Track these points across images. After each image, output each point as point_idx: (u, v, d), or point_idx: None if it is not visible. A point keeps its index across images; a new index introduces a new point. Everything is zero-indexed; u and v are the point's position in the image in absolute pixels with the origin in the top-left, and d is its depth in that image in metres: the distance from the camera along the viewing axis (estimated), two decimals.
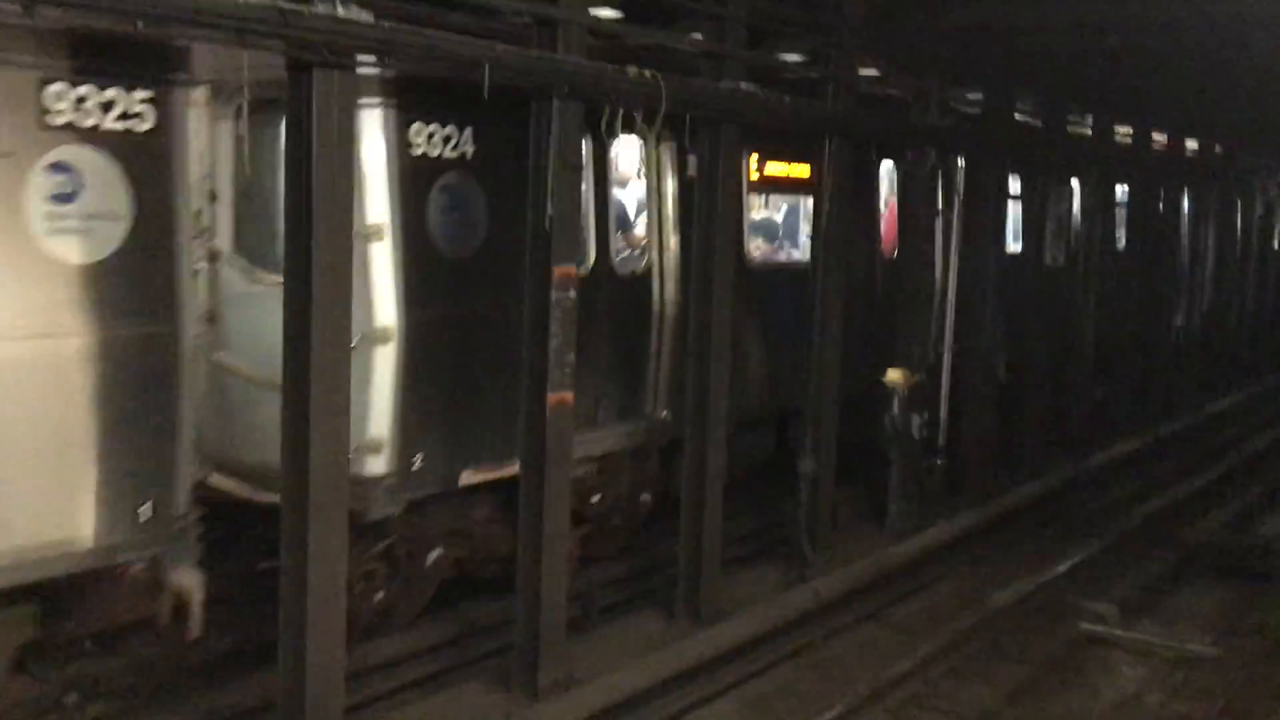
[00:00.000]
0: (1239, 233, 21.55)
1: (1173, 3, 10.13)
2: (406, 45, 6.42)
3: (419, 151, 7.76)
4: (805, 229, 11.82)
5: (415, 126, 7.72)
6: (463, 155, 8.03)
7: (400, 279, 7.68)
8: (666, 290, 9.75)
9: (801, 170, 10.96)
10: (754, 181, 11.04)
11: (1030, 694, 8.73)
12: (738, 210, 9.74)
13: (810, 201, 10.53)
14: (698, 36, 8.97)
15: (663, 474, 10.02)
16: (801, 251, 11.73)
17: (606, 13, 8.52)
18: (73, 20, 5.34)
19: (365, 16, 6.13)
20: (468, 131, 8.01)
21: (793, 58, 10.71)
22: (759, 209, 12.37)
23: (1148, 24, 10.78)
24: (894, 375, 11.22)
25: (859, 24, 10.04)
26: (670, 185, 9.80)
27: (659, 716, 7.85)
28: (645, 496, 10.04)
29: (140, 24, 5.29)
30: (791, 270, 11.21)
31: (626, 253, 9.88)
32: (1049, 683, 8.94)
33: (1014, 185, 14.44)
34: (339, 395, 6.29)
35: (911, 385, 11.31)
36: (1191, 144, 18.81)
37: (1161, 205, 17.81)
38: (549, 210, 7.39)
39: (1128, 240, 16.98)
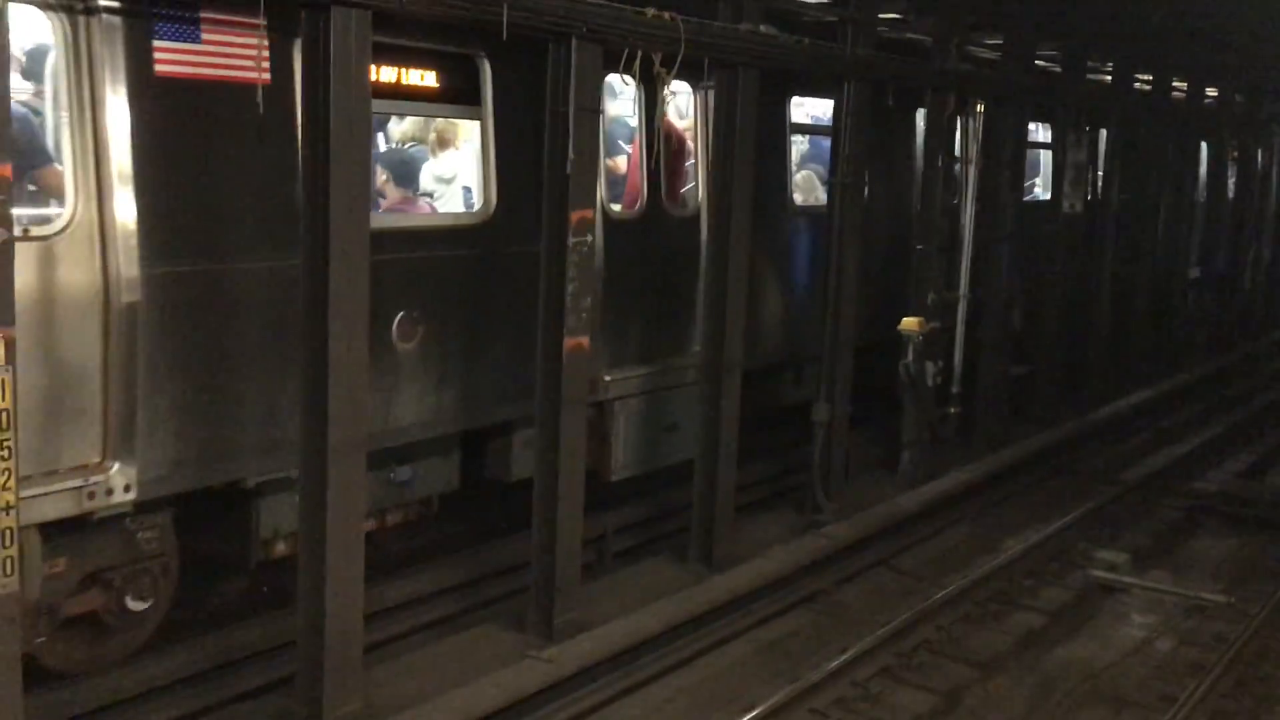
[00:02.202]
0: (1258, 182, 21.35)
1: None
2: None
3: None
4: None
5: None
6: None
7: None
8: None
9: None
10: None
11: (1041, 641, 8.79)
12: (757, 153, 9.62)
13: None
14: None
15: None
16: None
17: None
18: None
19: None
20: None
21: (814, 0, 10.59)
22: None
23: None
24: (909, 323, 11.19)
25: None
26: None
27: (674, 659, 7.91)
28: None
29: None
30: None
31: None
32: (1059, 630, 9.00)
33: (1035, 132, 14.37)
34: (356, 344, 6.31)
35: (927, 333, 11.28)
36: (1212, 93, 18.59)
37: (1182, 154, 17.64)
38: (570, 153, 7.35)
39: (1146, 189, 16.84)
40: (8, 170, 4.80)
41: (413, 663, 7.34)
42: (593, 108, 7.51)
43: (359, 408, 6.41)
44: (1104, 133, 15.55)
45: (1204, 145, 18.92)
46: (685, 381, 9.54)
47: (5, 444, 4.90)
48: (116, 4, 5.81)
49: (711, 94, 9.44)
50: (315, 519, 6.36)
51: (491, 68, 7.83)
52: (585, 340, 7.64)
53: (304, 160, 6.27)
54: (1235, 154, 20.11)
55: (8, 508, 4.91)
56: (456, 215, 8.25)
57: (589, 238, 7.54)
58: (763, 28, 8.74)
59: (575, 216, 7.47)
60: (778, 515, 10.49)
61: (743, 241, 8.99)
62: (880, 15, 10.47)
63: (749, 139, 8.93)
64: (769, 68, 9.04)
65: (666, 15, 7.74)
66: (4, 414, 4.85)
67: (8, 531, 4.92)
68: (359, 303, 6.33)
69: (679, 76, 7.93)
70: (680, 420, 9.53)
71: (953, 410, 12.24)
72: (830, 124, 10.43)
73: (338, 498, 6.34)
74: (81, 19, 5.72)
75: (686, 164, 9.85)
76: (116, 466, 6.05)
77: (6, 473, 4.89)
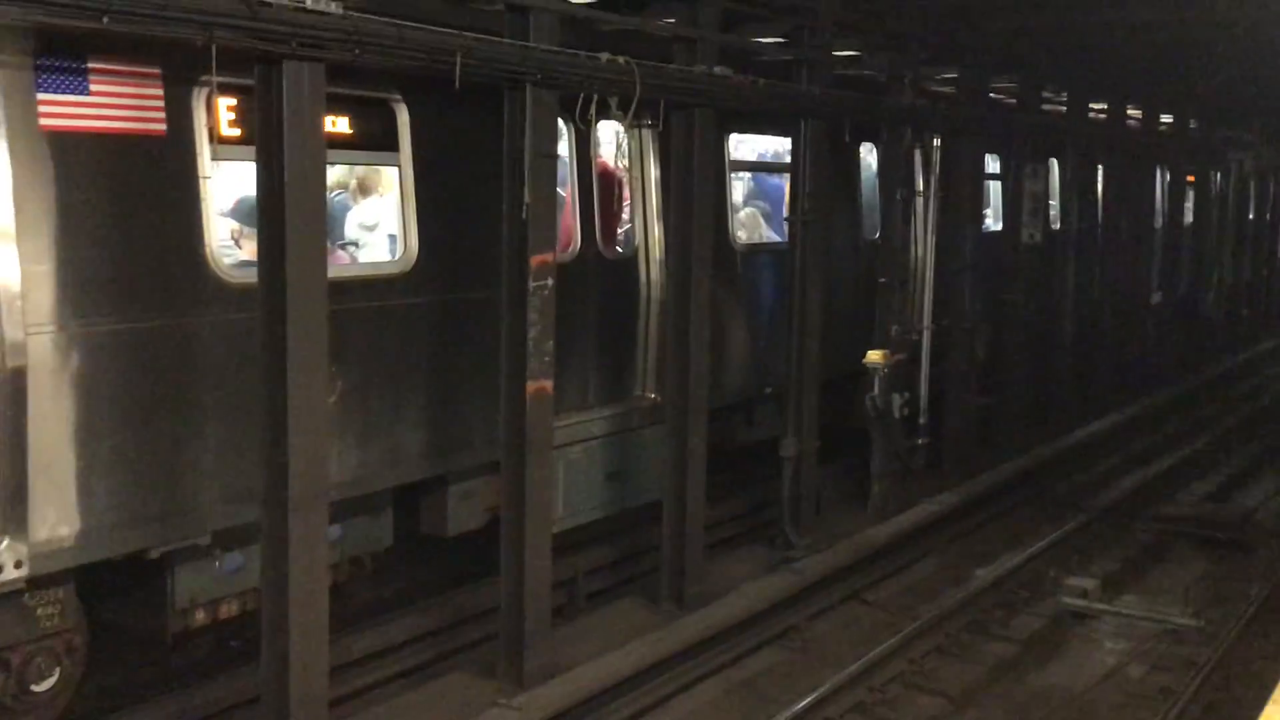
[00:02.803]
0: (1215, 207, 21.64)
1: None
2: (376, 35, 6.38)
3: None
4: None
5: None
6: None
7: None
8: (652, 274, 9.75)
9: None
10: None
11: (1013, 670, 8.81)
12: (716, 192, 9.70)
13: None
14: (671, 21, 8.94)
15: None
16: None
17: None
18: (38, 17, 5.29)
19: (334, 8, 6.10)
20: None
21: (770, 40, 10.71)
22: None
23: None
24: (874, 355, 11.25)
25: (834, 5, 10.04)
26: (653, 170, 9.78)
27: (644, 702, 7.88)
28: None
29: (106, 20, 5.25)
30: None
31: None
32: (1032, 658, 9.02)
33: (992, 164, 14.55)
34: (315, 394, 6.28)
35: (892, 365, 11.35)
36: (1167, 119, 18.87)
37: (1139, 181, 17.88)
38: (525, 199, 7.38)
39: (1105, 217, 17.05)
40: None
41: (381, 714, 7.27)
42: (549, 153, 7.55)
43: (320, 460, 6.38)
44: (1054, 162, 15.72)
45: (1160, 171, 19.18)
46: (628, 427, 9.50)
47: None
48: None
49: (648, 133, 9.51)
50: (277, 571, 6.31)
51: (409, 111, 7.73)
52: (548, 384, 7.64)
53: (260, 212, 6.25)
54: (1192, 179, 20.39)
55: None
56: (376, 265, 8.07)
57: (549, 281, 7.56)
58: (717, 69, 8.81)
59: (535, 261, 7.48)
60: (749, 552, 10.47)
61: (704, 280, 9.02)
62: (835, 54, 10.61)
63: (707, 178, 9.00)
64: (725, 108, 9.13)
65: (621, 60, 7.80)
66: None
67: None
68: (318, 353, 6.31)
69: (613, 117, 7.96)
70: (622, 467, 9.48)
71: (921, 441, 12.29)
72: (773, 160, 10.52)
73: (300, 550, 6.29)
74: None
75: (622, 205, 9.85)
76: (5, 542, 5.80)
77: None
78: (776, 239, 11.42)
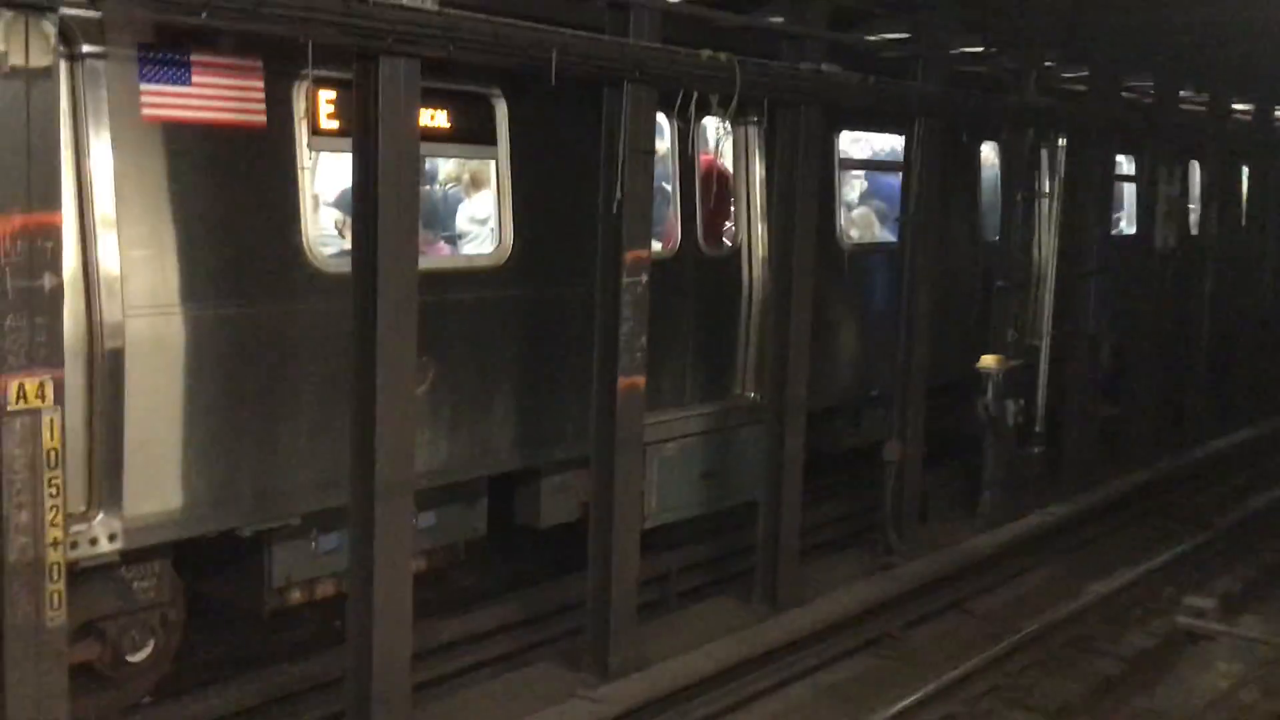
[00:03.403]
0: None
1: None
2: (474, 33, 6.48)
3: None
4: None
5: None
6: None
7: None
8: (755, 272, 9.69)
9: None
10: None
11: (1118, 689, 8.50)
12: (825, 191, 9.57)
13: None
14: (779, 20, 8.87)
15: None
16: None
17: None
18: (140, 10, 5.51)
19: (429, 4, 6.22)
20: None
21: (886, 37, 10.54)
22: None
23: None
24: (987, 360, 10.99)
25: (953, 1, 9.82)
26: (757, 167, 9.71)
27: (728, 701, 7.84)
28: None
29: (205, 15, 5.43)
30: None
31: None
32: (1138, 678, 8.69)
33: (1127, 165, 14.06)
34: (403, 382, 6.41)
35: (1007, 371, 11.07)
36: None
37: None
38: (621, 194, 7.40)
39: (1248, 222, 16.32)
40: (58, 218, 5.00)
41: (463, 700, 7.39)
42: (647, 149, 7.56)
43: (406, 448, 6.50)
44: (1195, 165, 15.10)
45: None
46: (725, 426, 9.44)
47: (54, 482, 5.07)
48: (100, 49, 5.89)
49: (753, 129, 9.42)
50: (364, 555, 6.46)
51: (508, 106, 7.82)
52: (640, 380, 7.66)
53: (354, 203, 6.41)
54: None
55: (56, 543, 5.08)
56: (472, 257, 8.19)
57: (643, 277, 7.58)
58: (824, 66, 8.69)
59: (629, 256, 7.51)
60: (848, 556, 10.34)
61: (806, 280, 8.93)
62: (958, 50, 10.38)
63: (812, 176, 8.91)
64: (832, 106, 9.01)
65: (722, 56, 7.77)
66: (52, 452, 5.02)
67: (55, 566, 5.08)
68: (407, 345, 6.43)
69: (714, 113, 7.92)
70: (718, 466, 9.42)
71: (1036, 450, 11.95)
72: (890, 158, 10.33)
73: (386, 535, 6.42)
74: (65, 64, 5.65)
75: (725, 202, 9.79)
76: (100, 516, 6.05)
77: (55, 509, 5.06)
78: (890, 239, 11.22)
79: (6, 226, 4.77)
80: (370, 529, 6.39)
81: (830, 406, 10.69)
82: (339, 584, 7.54)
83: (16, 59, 4.73)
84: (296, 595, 7.42)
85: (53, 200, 4.97)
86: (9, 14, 4.73)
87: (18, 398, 4.83)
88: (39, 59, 4.82)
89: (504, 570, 9.41)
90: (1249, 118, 15.98)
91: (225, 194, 6.51)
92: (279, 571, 7.22)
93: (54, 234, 4.97)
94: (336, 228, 7.90)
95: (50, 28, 4.82)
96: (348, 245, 7.07)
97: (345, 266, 6.59)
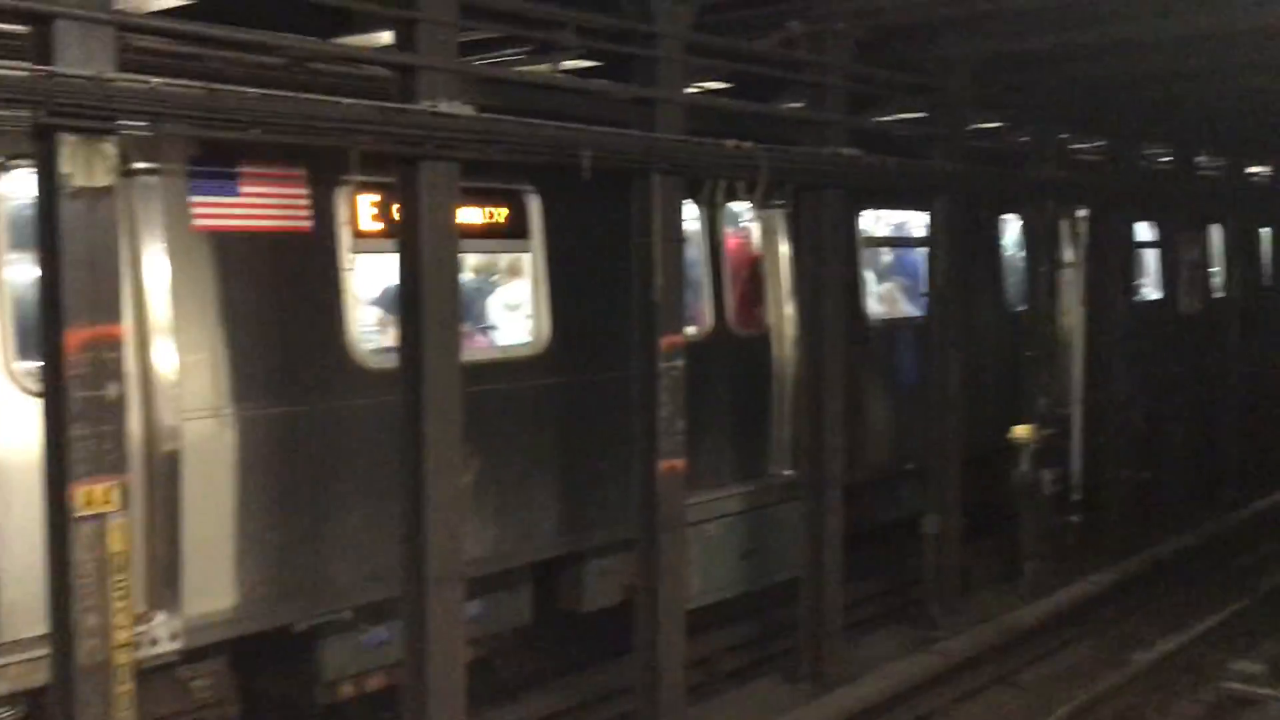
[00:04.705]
0: None
1: None
2: (509, 134, 6.72)
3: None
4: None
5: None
6: None
7: None
8: (785, 350, 9.84)
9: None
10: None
11: None
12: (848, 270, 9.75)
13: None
14: (798, 105, 9.11)
15: None
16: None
17: (712, 85, 8.77)
18: (197, 129, 5.77)
19: (467, 110, 6.46)
20: None
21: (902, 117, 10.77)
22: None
23: None
24: (1020, 431, 11.05)
25: (965, 82, 10.05)
26: (784, 247, 9.91)
27: None
28: None
29: (260, 131, 5.68)
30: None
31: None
32: None
33: (1151, 231, 14.20)
34: (451, 473, 6.55)
35: (1041, 440, 11.12)
36: None
37: None
38: (654, 282, 7.58)
39: (1274, 282, 16.39)
40: (121, 329, 5.20)
41: None
42: (677, 237, 7.76)
43: (456, 539, 6.61)
44: (1214, 229, 15.22)
45: None
46: (763, 504, 9.53)
47: (121, 585, 5.21)
48: (153, 165, 6.21)
49: (778, 212, 9.63)
50: (417, 645, 6.54)
51: (541, 200, 8.08)
52: (680, 463, 7.77)
53: (400, 301, 6.59)
54: None
55: (123, 645, 5.20)
56: (510, 348, 8.36)
57: (679, 361, 7.73)
58: (846, 150, 8.90)
59: (665, 342, 7.67)
60: (892, 631, 10.32)
61: (836, 357, 9.07)
62: (975, 126, 10.58)
63: (837, 256, 9.08)
64: (855, 187, 9.22)
65: (747, 145, 7.99)
66: (119, 556, 5.16)
67: (123, 668, 5.20)
68: (453, 436, 6.57)
69: (741, 199, 8.13)
70: (758, 544, 9.49)
71: (1074, 518, 11.95)
72: (910, 235, 10.49)
73: (438, 625, 6.51)
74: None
75: (753, 283, 9.96)
76: (160, 617, 6.18)
77: (122, 612, 5.19)
78: (916, 313, 11.37)
79: (73, 339, 4.98)
80: (423, 618, 6.48)
81: (867, 481, 10.75)
82: (389, 676, 7.62)
83: (81, 180, 4.96)
84: (347, 689, 7.47)
85: (115, 312, 5.19)
86: (74, 138, 4.97)
87: (85, 504, 4.99)
88: (101, 179, 5.04)
89: (551, 656, 9.43)
90: (1267, 179, 16.13)
91: (272, 297, 6.75)
92: (330, 665, 7.29)
93: (116, 345, 5.18)
94: (378, 325, 8.10)
95: (112, 150, 5.07)
96: (388, 342, 7.28)
97: (387, 363, 6.79)
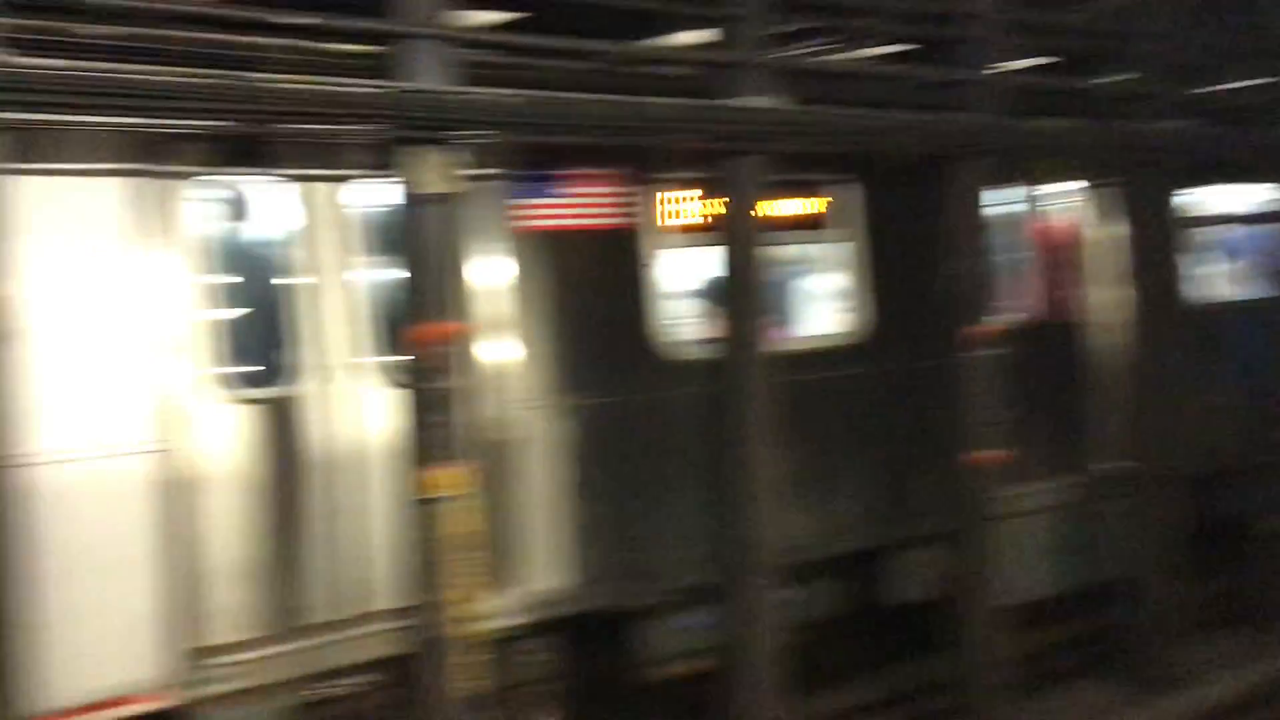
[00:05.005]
0: None
1: None
2: (817, 125, 6.78)
3: None
4: None
5: None
6: None
7: None
8: (1112, 337, 9.39)
9: None
10: None
11: None
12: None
13: None
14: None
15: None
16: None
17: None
18: (536, 138, 6.10)
19: (779, 104, 6.54)
20: None
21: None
22: None
23: None
24: None
25: None
26: (1107, 230, 9.44)
27: None
28: None
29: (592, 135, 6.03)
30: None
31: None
32: None
33: None
34: (769, 463, 6.67)
35: None
36: None
37: None
38: (967, 268, 7.44)
39: None
40: (467, 325, 5.71)
41: None
42: (989, 223, 7.59)
43: (774, 526, 6.70)
44: None
45: None
46: (1086, 498, 9.17)
47: (473, 561, 5.60)
48: (484, 171, 6.48)
49: (1102, 192, 9.17)
50: (736, 632, 6.68)
51: (862, 188, 8.07)
52: (997, 454, 7.58)
53: (724, 294, 6.75)
54: None
55: (477, 618, 5.61)
56: (832, 336, 8.34)
57: (995, 349, 7.54)
58: (1178, 124, 8.41)
59: (980, 329, 7.51)
60: (1235, 635, 9.64)
61: (1171, 345, 8.60)
62: None
63: (1170, 235, 8.65)
64: (1198, 162, 8.72)
65: (1064, 123, 7.69)
66: (475, 535, 5.56)
67: (479, 639, 5.62)
68: (773, 426, 6.68)
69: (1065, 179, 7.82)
70: (1080, 541, 9.10)
71: None
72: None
73: (755, 612, 6.64)
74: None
75: (1074, 268, 9.53)
76: (504, 593, 6.49)
77: (477, 586, 5.59)
78: (1253, 296, 10.59)
79: (426, 334, 5.40)
80: (742, 605, 6.62)
81: (1208, 474, 10.13)
82: (701, 659, 7.79)
83: (430, 186, 5.37)
84: (665, 670, 7.69)
85: (461, 309, 5.59)
86: (423, 149, 5.39)
87: (441, 485, 5.40)
88: (447, 185, 5.43)
89: (863, 648, 9.36)
90: None
91: (589, 293, 7.09)
92: (653, 647, 7.54)
93: (464, 339, 5.58)
94: (689, 318, 8.33)
95: (457, 158, 5.46)
96: (693, 335, 7.49)
97: (694, 354, 7.07)
